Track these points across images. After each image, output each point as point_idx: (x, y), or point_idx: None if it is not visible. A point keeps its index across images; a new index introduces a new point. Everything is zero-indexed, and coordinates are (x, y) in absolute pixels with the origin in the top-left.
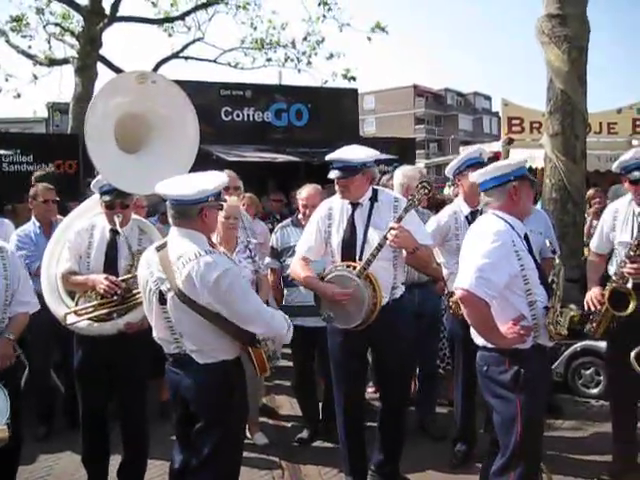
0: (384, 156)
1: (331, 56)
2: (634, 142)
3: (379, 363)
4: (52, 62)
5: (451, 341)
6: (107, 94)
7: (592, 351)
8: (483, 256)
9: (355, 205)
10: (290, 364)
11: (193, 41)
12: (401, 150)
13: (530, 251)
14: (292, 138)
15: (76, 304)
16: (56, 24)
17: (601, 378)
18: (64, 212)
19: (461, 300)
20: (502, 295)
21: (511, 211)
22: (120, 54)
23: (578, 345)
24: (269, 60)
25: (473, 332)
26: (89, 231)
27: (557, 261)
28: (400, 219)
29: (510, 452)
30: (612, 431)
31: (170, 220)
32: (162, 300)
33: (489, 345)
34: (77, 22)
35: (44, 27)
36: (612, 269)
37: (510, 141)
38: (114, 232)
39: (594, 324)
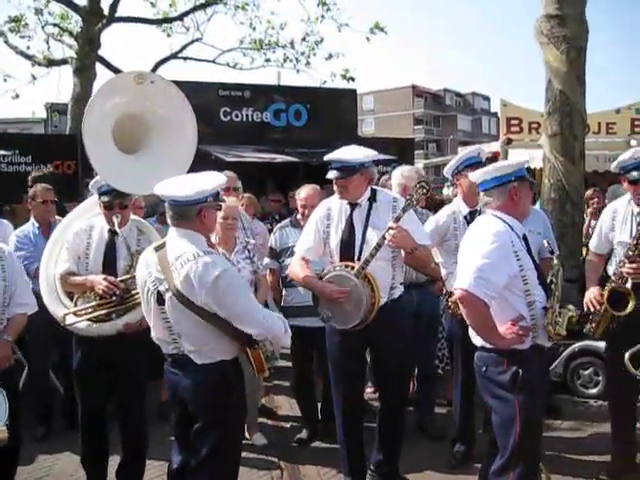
0: (383, 156)
1: (330, 56)
2: (633, 142)
3: (378, 363)
4: (51, 62)
5: (450, 341)
6: (105, 94)
7: (591, 351)
8: (482, 257)
9: (354, 205)
10: (289, 364)
11: (192, 41)
12: (400, 150)
13: (529, 251)
14: (291, 138)
15: (75, 305)
16: (55, 24)
17: (600, 378)
18: (62, 213)
19: (460, 300)
20: (501, 295)
21: (510, 211)
22: (119, 55)
23: (577, 345)
24: (268, 60)
25: (471, 332)
26: (88, 232)
27: (555, 261)
28: (398, 219)
29: (509, 452)
30: (611, 431)
31: (169, 221)
32: (160, 300)
33: (487, 345)
34: (76, 22)
35: (42, 27)
36: (611, 269)
37: (509, 141)
38: (113, 233)
39: (593, 324)
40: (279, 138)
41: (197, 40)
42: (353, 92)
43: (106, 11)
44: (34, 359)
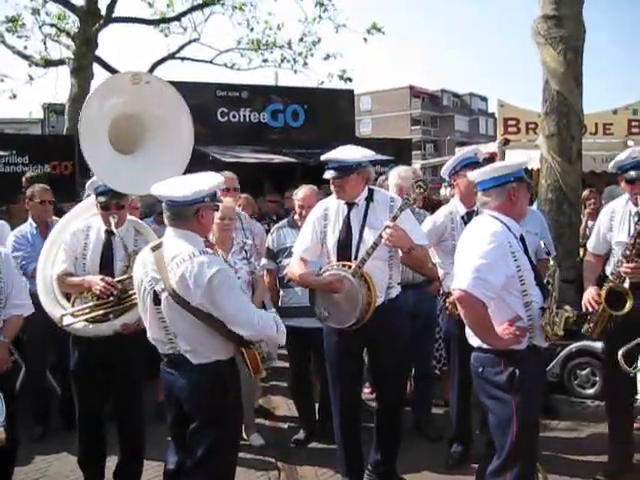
0: (380, 157)
1: (327, 57)
2: (630, 143)
3: (375, 363)
4: (48, 63)
5: (447, 342)
6: (101, 95)
7: (588, 352)
8: (480, 257)
9: (351, 205)
10: (286, 365)
11: (189, 42)
12: (397, 151)
13: (526, 252)
14: (288, 139)
15: (72, 305)
16: (52, 25)
17: (597, 379)
18: (59, 213)
19: (458, 301)
20: (498, 296)
21: (508, 212)
22: (116, 55)
23: (574, 346)
24: (265, 61)
25: (468, 333)
26: (85, 232)
27: (552, 262)
28: (395, 218)
29: (506, 453)
30: (608, 431)
31: (166, 221)
32: (156, 300)
33: (484, 346)
34: (73, 23)
35: (40, 28)
36: (609, 269)
37: (506, 142)
38: (110, 233)
39: (591, 324)
40: (277, 139)
41: (194, 40)
42: (350, 93)
43: (103, 11)
44: (32, 360)
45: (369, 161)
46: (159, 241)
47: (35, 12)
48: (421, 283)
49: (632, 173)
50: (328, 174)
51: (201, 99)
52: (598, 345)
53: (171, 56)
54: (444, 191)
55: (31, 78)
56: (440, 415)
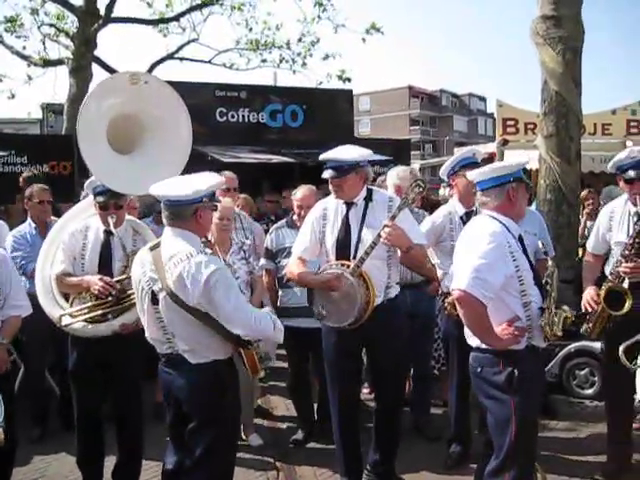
0: (378, 157)
1: (326, 57)
2: (628, 143)
3: (373, 363)
4: (46, 63)
5: (446, 342)
6: (99, 95)
7: (587, 352)
8: (479, 257)
9: (349, 205)
10: (285, 365)
11: (188, 42)
12: (396, 151)
13: (524, 252)
14: (287, 139)
15: (71, 305)
16: (51, 25)
17: (596, 379)
18: (56, 214)
19: (458, 300)
20: (497, 296)
21: (507, 212)
22: (115, 55)
23: (572, 346)
24: (264, 61)
25: (466, 333)
26: (83, 232)
27: (550, 262)
28: (394, 217)
29: (504, 453)
30: (607, 431)
31: (164, 221)
32: (154, 300)
33: (483, 346)
34: (72, 23)
35: (38, 28)
36: (608, 269)
37: (505, 142)
38: (108, 233)
39: (590, 324)
40: (275, 139)
41: (193, 41)
42: (349, 93)
43: (102, 11)
44: (30, 360)
45: (367, 161)
46: (157, 241)
47: (34, 12)
48: (419, 283)
49: (631, 173)
50: (326, 173)
51: (200, 99)
52: (597, 345)
53: (170, 56)
54: (443, 191)
55: (30, 78)
56: (439, 415)
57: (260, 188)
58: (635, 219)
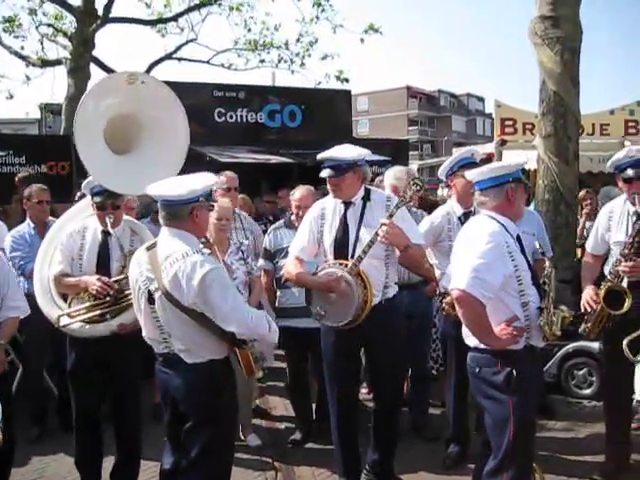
0: (376, 157)
1: (325, 57)
2: (626, 143)
3: (372, 363)
4: (45, 63)
5: (444, 342)
6: (97, 95)
7: (585, 352)
8: (478, 257)
9: (347, 204)
10: (283, 365)
11: (186, 42)
12: (394, 151)
13: (523, 252)
14: (285, 139)
15: (69, 306)
16: (49, 25)
17: (594, 379)
18: (52, 214)
19: (457, 300)
20: (496, 296)
21: (506, 212)
22: (113, 55)
23: (571, 346)
24: (262, 61)
25: (464, 333)
26: (81, 233)
27: (547, 263)
28: (391, 215)
29: (502, 453)
30: (605, 431)
31: (161, 221)
32: (151, 300)
33: (481, 346)
34: (70, 23)
35: (37, 28)
36: (607, 269)
37: (503, 142)
38: (106, 233)
39: (589, 324)
40: (274, 139)
41: (192, 41)
42: (348, 93)
43: (100, 12)
44: (29, 361)
45: (365, 160)
46: (154, 240)
47: (32, 12)
48: (417, 284)
49: (629, 172)
50: (324, 173)
51: (198, 99)
52: (595, 345)
53: (168, 56)
54: (441, 192)
55: (28, 78)
56: (437, 415)
57: (258, 188)
58: (634, 218)
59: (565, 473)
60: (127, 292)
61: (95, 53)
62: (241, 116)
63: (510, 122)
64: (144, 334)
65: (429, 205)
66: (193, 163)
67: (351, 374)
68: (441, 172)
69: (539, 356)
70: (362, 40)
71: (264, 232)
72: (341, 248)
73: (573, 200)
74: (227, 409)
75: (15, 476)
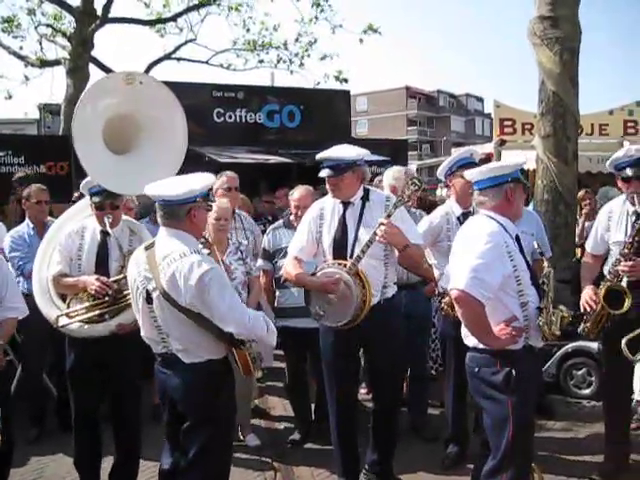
0: (375, 157)
1: (324, 57)
2: (625, 143)
3: (371, 363)
4: (44, 63)
5: (443, 342)
6: (95, 95)
7: (584, 352)
8: (477, 257)
9: (346, 204)
10: (282, 365)
11: (185, 42)
12: (393, 151)
13: (521, 252)
14: (284, 139)
15: (68, 306)
16: (48, 25)
17: (593, 379)
18: (49, 214)
19: (456, 300)
20: (495, 296)
21: (505, 212)
22: (112, 56)
23: (570, 346)
24: (261, 62)
25: (463, 333)
26: (80, 233)
27: (545, 263)
28: (389, 215)
29: (501, 453)
30: (604, 431)
31: (159, 220)
32: (149, 299)
33: (480, 346)
34: (69, 23)
35: (35, 28)
36: (607, 269)
37: (502, 142)
38: (105, 234)
39: (588, 324)
40: (273, 139)
41: (190, 41)
42: (347, 93)
43: (99, 12)
44: (29, 361)
45: (365, 161)
46: (152, 240)
47: (31, 12)
48: (415, 284)
49: (628, 171)
50: (323, 172)
51: (197, 100)
52: (594, 345)
53: (167, 57)
54: (440, 192)
55: (27, 78)
56: (436, 416)
57: (257, 189)
58: (633, 218)
59: (564, 473)
60: (126, 292)
61: (94, 53)
62: (240, 116)
63: (509, 122)
64: (142, 334)
65: (428, 205)
66: (192, 163)
67: (350, 374)
68: (440, 172)
69: (538, 356)
70: (361, 40)
71: (263, 232)
72: (340, 248)
73: (572, 200)
74: (225, 409)
75: (14, 476)
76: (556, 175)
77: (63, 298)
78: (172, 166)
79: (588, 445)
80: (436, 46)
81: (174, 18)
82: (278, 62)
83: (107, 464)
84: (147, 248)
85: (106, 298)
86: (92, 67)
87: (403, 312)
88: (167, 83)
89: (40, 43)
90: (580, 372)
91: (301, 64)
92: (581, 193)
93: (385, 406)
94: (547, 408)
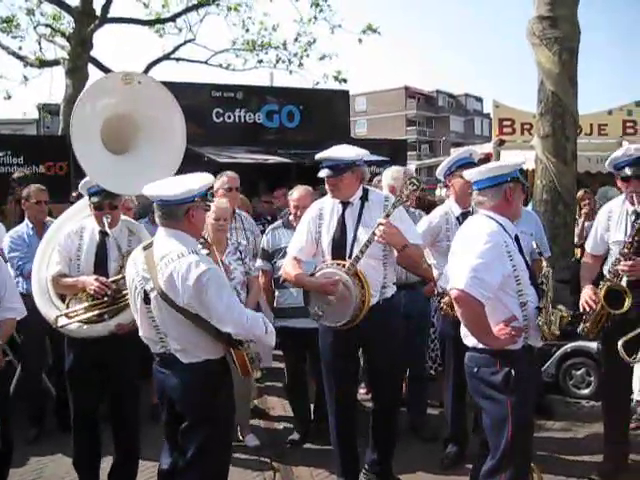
0: (375, 157)
1: (323, 57)
2: (624, 143)
3: (370, 363)
4: (43, 63)
5: (442, 342)
6: (93, 95)
7: (583, 352)
8: (477, 257)
9: (345, 204)
10: (282, 365)
11: (184, 42)
12: (392, 152)
13: (521, 252)
14: (284, 139)
15: (67, 306)
16: (47, 25)
17: (592, 379)
18: (48, 214)
19: (456, 300)
20: (495, 296)
21: (504, 212)
22: (111, 56)
23: (569, 346)
24: (260, 62)
25: (463, 333)
26: (79, 233)
27: (544, 263)
28: (388, 215)
29: (500, 453)
30: (603, 431)
31: (157, 221)
32: (147, 300)
33: (479, 346)
34: (68, 23)
35: (34, 28)
36: (606, 268)
37: (501, 143)
38: (103, 234)
39: (588, 324)
40: (272, 139)
41: (190, 41)
42: (346, 93)
43: (98, 12)
44: (28, 361)
45: (364, 161)
46: (150, 240)
47: (30, 12)
48: (414, 284)
49: (627, 171)
50: (322, 173)
51: (196, 100)
52: (593, 345)
53: (166, 57)
54: (439, 192)
55: (26, 78)
56: (435, 416)
57: (257, 189)
58: (633, 217)
59: (563, 473)
60: (125, 292)
61: (93, 53)
62: (239, 116)
63: (508, 122)
64: (141, 334)
65: (427, 205)
66: (191, 163)
67: (349, 374)
68: (439, 172)
69: (537, 356)
70: (360, 40)
71: (262, 232)
72: (339, 248)
73: (571, 200)
74: (224, 409)
75: (13, 477)
76: (555, 175)
77: (62, 298)
78: (171, 166)
79: (587, 445)
80: (435, 46)
81: (173, 18)
82: (277, 62)
83: (106, 464)
84: (145, 248)
85: (105, 298)
86: (91, 67)
87: (402, 312)
88: (166, 83)
89: (39, 43)
90: (579, 372)
91: (300, 64)
92: (580, 193)
93: (384, 406)
94: (546, 408)
